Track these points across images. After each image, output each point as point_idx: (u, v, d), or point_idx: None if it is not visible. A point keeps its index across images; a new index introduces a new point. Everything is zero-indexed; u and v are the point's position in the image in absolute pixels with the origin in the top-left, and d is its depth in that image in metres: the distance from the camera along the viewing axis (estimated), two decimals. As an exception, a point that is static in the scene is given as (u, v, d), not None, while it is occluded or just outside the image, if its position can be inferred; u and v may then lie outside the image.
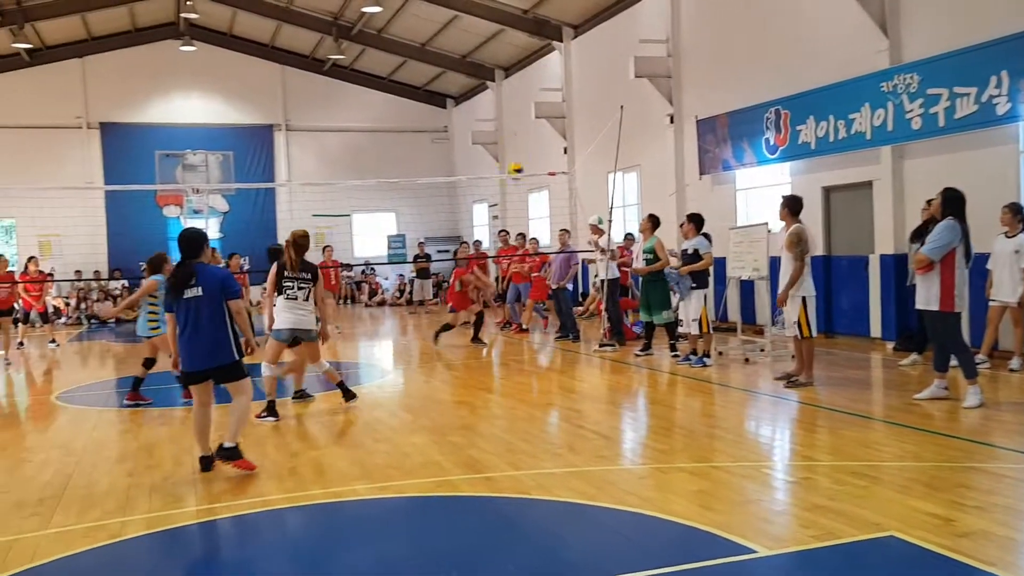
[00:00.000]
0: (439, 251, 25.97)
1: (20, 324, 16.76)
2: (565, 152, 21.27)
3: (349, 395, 9.04)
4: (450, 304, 14.42)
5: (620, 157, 13.90)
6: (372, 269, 27.00)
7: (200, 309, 6.32)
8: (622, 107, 13.93)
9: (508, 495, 5.74)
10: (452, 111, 29.25)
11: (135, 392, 9.61)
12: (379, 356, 14.23)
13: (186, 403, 9.15)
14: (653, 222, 12.12)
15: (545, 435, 7.61)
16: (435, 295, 24.89)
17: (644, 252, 12.01)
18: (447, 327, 14.33)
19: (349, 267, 26.54)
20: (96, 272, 25.10)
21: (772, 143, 14.15)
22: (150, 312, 9.70)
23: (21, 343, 16.62)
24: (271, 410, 8.42)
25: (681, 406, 9.02)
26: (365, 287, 27.00)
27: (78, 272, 24.38)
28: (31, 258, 17.47)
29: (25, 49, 23.76)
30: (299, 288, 8.56)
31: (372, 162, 27.25)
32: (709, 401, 9.09)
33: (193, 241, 6.50)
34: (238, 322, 6.48)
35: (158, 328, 9.52)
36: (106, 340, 18.76)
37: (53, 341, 17.09)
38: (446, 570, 4.41)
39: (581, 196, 17.64)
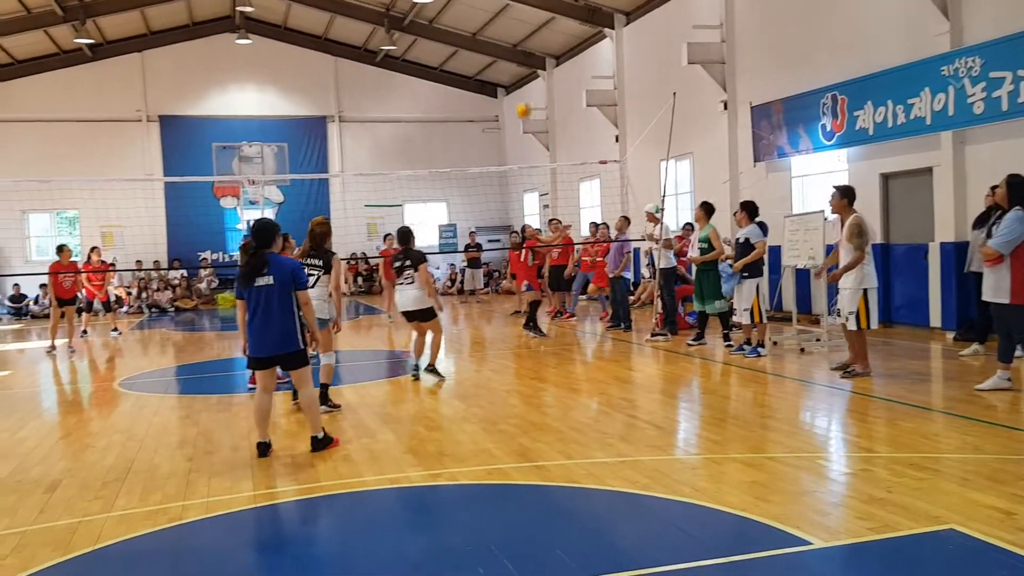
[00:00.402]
0: (490, 240, 26.04)
1: (84, 313, 17.20)
2: (616, 140, 21.14)
3: (328, 402, 8.43)
4: (525, 282, 14.57)
5: (672, 145, 13.78)
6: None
7: (271, 297, 6.53)
8: (675, 94, 13.80)
9: (559, 484, 5.75)
10: (503, 100, 29.25)
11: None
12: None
13: (251, 389, 9.35)
14: (707, 210, 11.99)
15: (597, 424, 7.60)
16: (486, 284, 24.99)
17: (699, 241, 11.90)
18: (534, 307, 14.26)
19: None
20: (156, 262, 25.67)
21: (829, 129, 13.90)
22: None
23: (85, 331, 17.09)
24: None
25: (735, 396, 8.94)
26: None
27: (139, 262, 24.96)
28: (94, 248, 17.92)
29: (87, 44, 24.33)
30: (307, 275, 8.64)
31: (423, 152, 27.40)
32: (763, 391, 8.99)
33: (266, 231, 6.70)
34: (305, 312, 6.70)
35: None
36: (166, 329, 19.19)
37: (115, 329, 17.53)
38: (497, 557, 4.43)
39: (633, 184, 17.52)
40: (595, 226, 17.29)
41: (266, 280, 6.53)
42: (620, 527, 5.08)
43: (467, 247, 23.85)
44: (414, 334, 10.32)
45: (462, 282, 24.79)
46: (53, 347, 14.39)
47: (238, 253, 8.00)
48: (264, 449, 6.70)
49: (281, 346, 6.61)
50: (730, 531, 4.83)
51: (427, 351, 10.24)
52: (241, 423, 8.08)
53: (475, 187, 26.43)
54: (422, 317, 9.84)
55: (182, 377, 11.84)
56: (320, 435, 6.78)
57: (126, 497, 5.79)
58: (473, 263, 23.56)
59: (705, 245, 11.76)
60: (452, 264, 27.42)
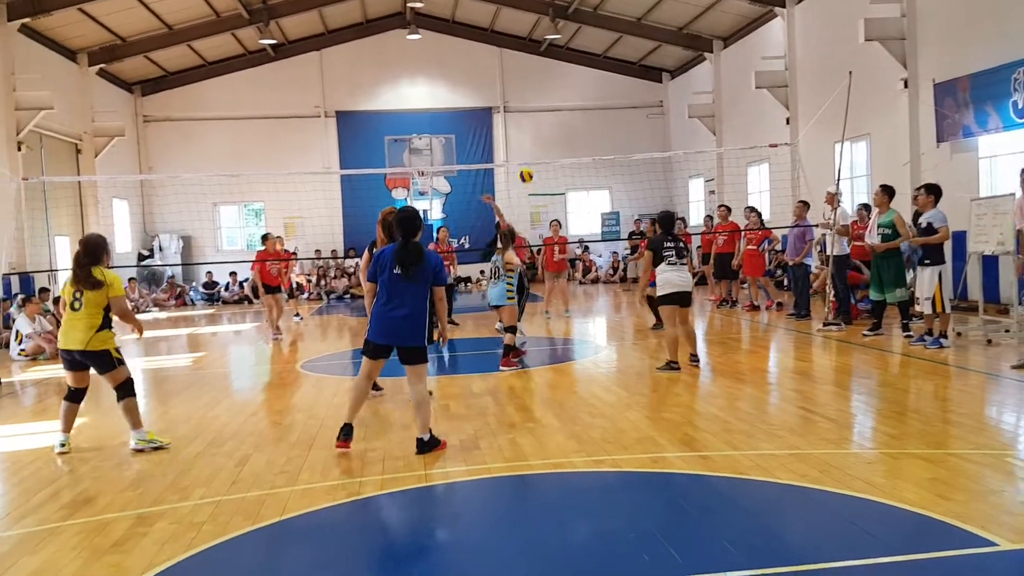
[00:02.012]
0: (654, 228, 25.75)
1: (291, 299, 18.20)
2: (787, 123, 20.42)
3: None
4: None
5: (848, 126, 13.18)
6: (586, 247, 27.24)
7: (407, 287, 6.44)
8: (850, 73, 13.18)
9: (725, 474, 5.67)
10: (668, 85, 28.82)
11: (507, 358, 10.27)
12: (593, 332, 14.37)
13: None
14: (889, 194, 11.40)
15: (765, 415, 7.43)
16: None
17: (880, 226, 11.32)
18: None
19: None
20: (333, 251, 27.01)
21: (1021, 106, 12.89)
22: (508, 283, 10.54)
23: (298, 315, 18.20)
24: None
25: (914, 389, 8.49)
26: (579, 265, 27.29)
27: (318, 251, 26.34)
28: (278, 237, 19.02)
29: (270, 45, 25.86)
30: None
31: (586, 140, 27.42)
32: (945, 384, 8.50)
33: (412, 221, 6.61)
34: (438, 309, 6.63)
35: (514, 298, 10.55)
36: (342, 314, 20.16)
37: (297, 315, 18.57)
38: (661, 545, 4.44)
39: (805, 168, 16.89)
40: (749, 211, 16.63)
41: (415, 269, 6.42)
42: (789, 520, 4.97)
43: (631, 235, 23.70)
44: (666, 329, 9.98)
45: (624, 270, 24.67)
46: (279, 332, 14.81)
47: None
48: (348, 432, 6.58)
49: (405, 338, 6.49)
50: (907, 529, 4.63)
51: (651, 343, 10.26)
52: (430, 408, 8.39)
53: (638, 174, 26.19)
54: (689, 301, 9.85)
55: (357, 361, 12.36)
56: (426, 437, 6.52)
57: (308, 472, 6.17)
58: (637, 251, 23.39)
59: (888, 231, 11.18)
60: (614, 252, 27.35)
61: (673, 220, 10.22)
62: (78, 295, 7.00)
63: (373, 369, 6.74)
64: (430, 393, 8.30)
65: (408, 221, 6.60)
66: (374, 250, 7.94)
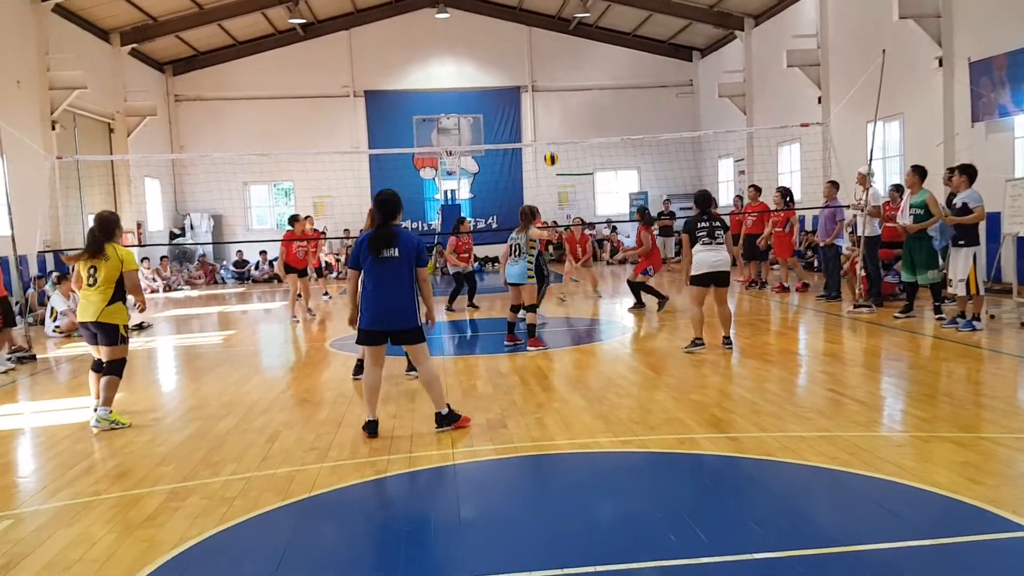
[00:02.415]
0: (682, 208, 25.61)
1: (319, 278, 18.27)
2: (819, 102, 20.16)
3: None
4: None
5: (881, 105, 12.99)
6: (614, 227, 27.13)
7: (389, 271, 6.41)
8: (884, 51, 12.97)
9: (753, 456, 5.65)
10: (698, 64, 28.54)
11: (535, 338, 10.29)
12: (621, 313, 14.32)
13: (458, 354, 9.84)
14: (920, 174, 11.24)
15: (794, 397, 7.39)
16: (677, 253, 24.64)
17: (913, 207, 11.17)
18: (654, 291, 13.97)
19: (592, 226, 26.81)
20: (361, 230, 27.05)
21: (1061, 84, 12.63)
22: (529, 261, 10.51)
23: (327, 294, 18.32)
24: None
25: (945, 372, 8.40)
26: (607, 245, 27.19)
27: (346, 230, 26.42)
28: (307, 216, 19.11)
29: (300, 24, 25.89)
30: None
31: (615, 119, 27.22)
32: (977, 368, 8.40)
33: (390, 203, 6.53)
34: (423, 290, 6.57)
35: (533, 277, 10.52)
36: (370, 293, 20.20)
37: (326, 294, 18.68)
38: (688, 526, 4.44)
39: (836, 148, 16.67)
40: (779, 192, 16.55)
41: (391, 252, 6.40)
42: (818, 503, 4.95)
43: (660, 215, 23.57)
44: (694, 309, 9.89)
45: (653, 250, 24.53)
46: (295, 316, 14.65)
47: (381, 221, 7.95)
48: (373, 428, 6.52)
49: (396, 321, 6.48)
50: (937, 512, 4.60)
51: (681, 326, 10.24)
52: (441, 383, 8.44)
53: (667, 154, 26.00)
54: (726, 281, 9.78)
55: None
56: (444, 411, 6.59)
57: (337, 449, 6.23)
58: (665, 231, 23.29)
59: (921, 211, 11.03)
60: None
61: (709, 199, 10.00)
62: (92, 271, 7.25)
63: (375, 356, 6.65)
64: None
65: (384, 204, 6.53)
66: None
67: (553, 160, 13.19)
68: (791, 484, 5.25)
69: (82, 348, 11.98)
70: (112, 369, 7.30)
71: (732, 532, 4.40)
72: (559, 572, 3.96)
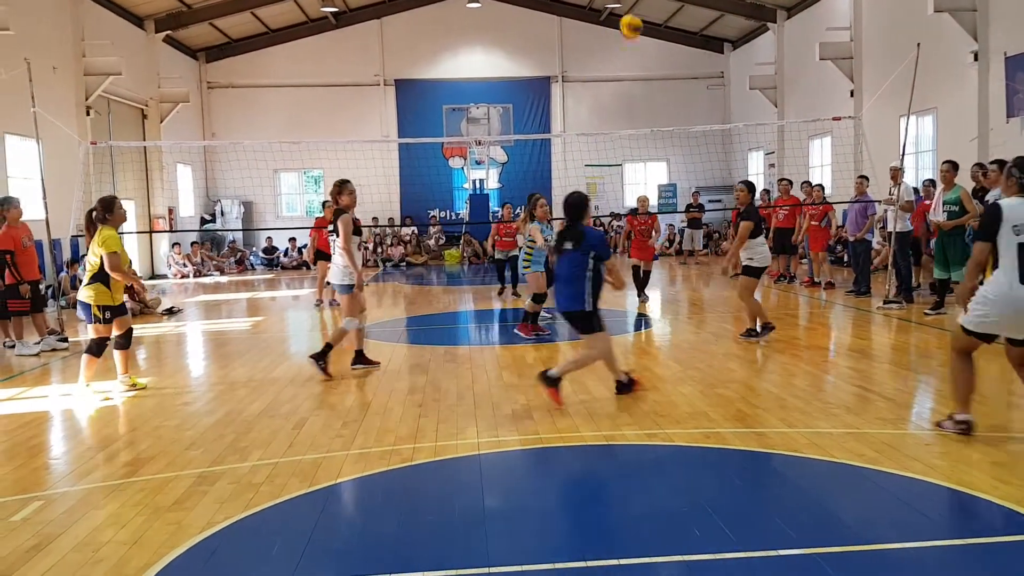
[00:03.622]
0: (711, 201, 25.45)
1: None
2: (852, 95, 19.92)
3: (321, 360, 8.54)
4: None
5: (914, 99, 12.82)
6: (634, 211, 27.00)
7: (569, 262, 7.03)
8: (919, 45, 12.79)
9: (779, 452, 5.62)
10: (729, 56, 28.29)
11: (528, 324, 10.43)
12: (648, 305, 14.28)
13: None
14: (955, 170, 11.08)
15: (821, 394, 7.33)
16: (705, 246, 24.52)
17: (947, 203, 11.02)
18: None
19: (619, 216, 26.73)
20: (390, 219, 27.19)
21: (1102, 79, 12.39)
22: (527, 253, 10.74)
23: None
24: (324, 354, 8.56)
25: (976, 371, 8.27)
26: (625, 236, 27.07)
27: (375, 219, 26.54)
28: (326, 203, 19.15)
29: (332, 13, 25.96)
30: (334, 240, 8.80)
31: (644, 111, 27.08)
32: (1009, 367, 8.25)
33: (578, 206, 7.13)
34: (610, 275, 7.12)
35: (529, 267, 10.71)
36: (398, 282, 20.34)
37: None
38: (713, 520, 4.42)
39: (868, 142, 16.48)
40: (809, 187, 16.45)
41: (570, 247, 6.99)
42: (844, 500, 4.91)
43: (688, 207, 23.46)
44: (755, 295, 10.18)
45: (680, 242, 24.45)
46: (320, 301, 14.72)
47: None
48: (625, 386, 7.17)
49: (571, 304, 7.03)
50: (965, 512, 4.56)
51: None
52: (466, 373, 8.48)
53: (697, 146, 25.81)
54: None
55: (412, 328, 12.53)
56: (555, 375, 6.98)
57: (363, 437, 6.27)
58: (693, 223, 23.18)
59: (955, 208, 10.89)
60: (671, 224, 27.06)
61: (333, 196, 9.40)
62: (86, 252, 7.80)
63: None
64: (375, 363, 8.81)
65: (574, 206, 7.14)
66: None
67: (633, 28, 12.01)
68: (818, 481, 5.22)
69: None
70: (88, 347, 7.80)
71: (757, 528, 4.38)
72: (582, 564, 3.96)
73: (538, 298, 10.51)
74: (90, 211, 7.89)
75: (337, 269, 8.60)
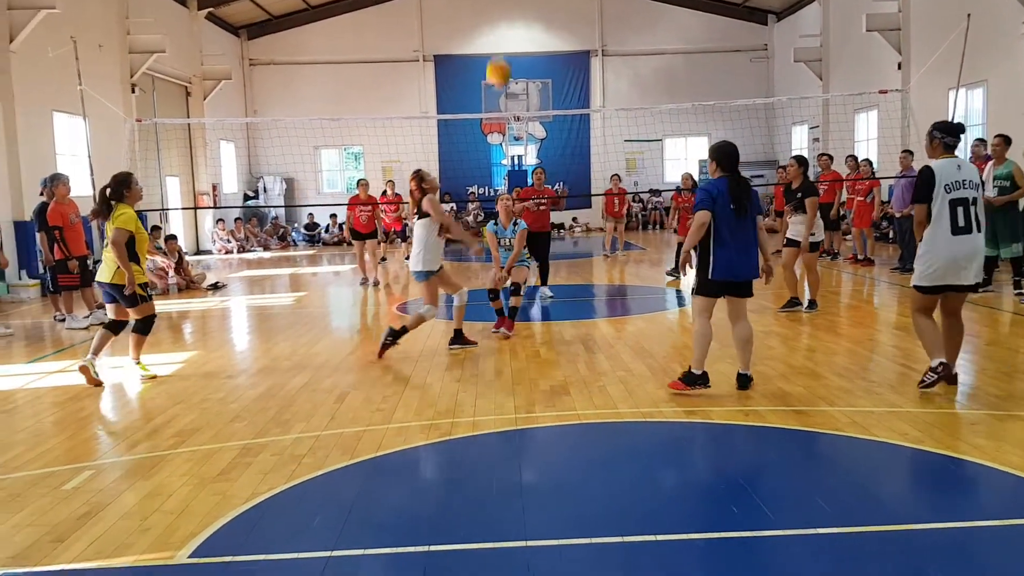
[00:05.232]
0: (754, 176, 25.11)
1: (381, 243, 18.37)
2: (899, 68, 19.50)
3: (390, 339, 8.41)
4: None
5: (964, 71, 12.52)
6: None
7: (747, 225, 6.36)
8: (968, 15, 12.49)
9: (820, 430, 5.58)
10: (773, 28, 27.81)
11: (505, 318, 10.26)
12: (683, 281, 14.18)
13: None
14: (1007, 143, 10.82)
15: (864, 372, 7.25)
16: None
17: (997, 179, 10.77)
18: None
19: (658, 192, 26.53)
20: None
21: None
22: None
23: (384, 258, 18.50)
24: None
25: (1024, 350, 8.15)
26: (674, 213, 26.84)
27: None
28: (389, 181, 19.23)
29: (371, -12, 26.00)
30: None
31: (685, 85, 26.76)
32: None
33: (734, 156, 6.49)
34: (760, 239, 6.52)
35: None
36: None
37: (384, 258, 18.87)
38: (751, 498, 4.41)
39: (916, 116, 16.14)
40: (854, 161, 16.20)
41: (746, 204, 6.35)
42: (885, 479, 4.87)
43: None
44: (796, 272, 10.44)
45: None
46: (365, 279, 14.70)
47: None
48: (744, 382, 6.63)
49: (754, 272, 6.52)
50: (1010, 492, 4.49)
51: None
52: (504, 349, 8.52)
53: (739, 120, 25.44)
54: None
55: (449, 304, 12.55)
56: (747, 373, 6.63)
57: (403, 411, 6.34)
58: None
59: (1007, 183, 10.64)
60: (713, 200, 26.79)
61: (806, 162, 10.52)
62: (106, 232, 7.51)
63: (712, 308, 6.62)
64: (473, 342, 8.65)
65: (731, 156, 6.48)
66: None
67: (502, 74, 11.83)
68: (859, 460, 5.17)
69: (157, 307, 12.38)
70: (137, 327, 7.66)
71: (796, 506, 4.37)
72: (619, 539, 3.98)
73: (518, 289, 9.78)
74: (103, 188, 7.56)
75: (413, 255, 8.52)
